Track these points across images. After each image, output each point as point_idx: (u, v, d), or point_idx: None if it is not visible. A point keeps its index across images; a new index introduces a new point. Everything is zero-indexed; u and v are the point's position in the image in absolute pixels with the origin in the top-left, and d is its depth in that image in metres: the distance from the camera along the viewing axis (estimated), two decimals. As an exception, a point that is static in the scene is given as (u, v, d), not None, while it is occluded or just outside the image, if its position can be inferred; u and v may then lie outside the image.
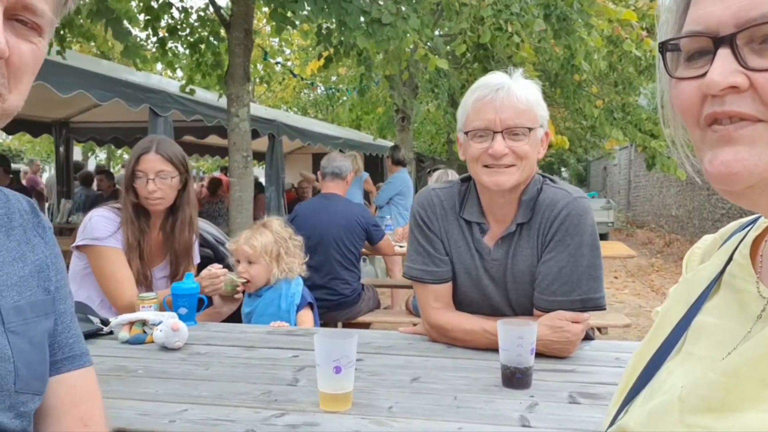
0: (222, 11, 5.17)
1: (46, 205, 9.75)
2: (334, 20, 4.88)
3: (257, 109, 7.83)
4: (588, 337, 1.64)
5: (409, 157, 9.20)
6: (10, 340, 0.70)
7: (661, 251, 12.49)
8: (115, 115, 7.15)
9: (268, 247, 2.08)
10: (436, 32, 7.75)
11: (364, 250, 4.02)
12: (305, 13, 4.70)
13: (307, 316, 2.13)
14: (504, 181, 1.47)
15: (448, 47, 5.59)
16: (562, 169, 24.56)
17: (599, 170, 26.10)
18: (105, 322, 1.62)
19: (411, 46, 4.47)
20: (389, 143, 10.24)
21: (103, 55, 8.43)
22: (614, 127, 7.83)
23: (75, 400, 0.81)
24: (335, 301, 3.59)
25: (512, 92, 1.48)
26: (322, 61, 5.75)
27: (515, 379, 1.24)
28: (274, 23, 4.70)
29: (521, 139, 1.47)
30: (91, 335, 1.56)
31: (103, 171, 7.99)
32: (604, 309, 1.52)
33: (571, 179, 30.41)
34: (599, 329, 3.62)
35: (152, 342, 1.52)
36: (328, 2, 4.59)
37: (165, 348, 1.48)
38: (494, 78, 1.52)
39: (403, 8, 4.65)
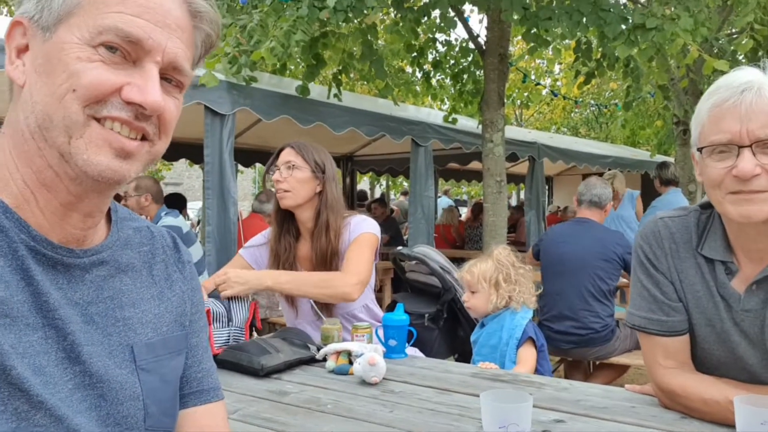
0: (478, 40, 5.25)
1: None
2: (592, 33, 4.57)
3: (518, 132, 7.75)
4: None
5: (693, 174, 8.10)
6: (141, 378, 0.74)
7: None
8: (388, 149, 7.77)
9: (487, 274, 2.01)
10: (727, 31, 6.72)
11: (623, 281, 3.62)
12: (559, 30, 4.49)
13: (528, 353, 1.95)
14: (755, 211, 1.13)
15: (732, 46, 4.76)
16: None
17: None
18: (320, 349, 1.71)
19: (679, 50, 3.91)
20: (670, 159, 9.18)
21: (380, 94, 9.31)
22: None
23: None
24: (583, 336, 3.28)
25: (764, 93, 1.12)
26: (583, 78, 5.42)
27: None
28: (527, 45, 4.60)
29: None
30: (306, 362, 1.66)
31: (377, 200, 8.75)
32: None
33: None
34: None
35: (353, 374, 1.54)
36: (584, 14, 4.31)
37: (363, 382, 1.49)
38: (739, 75, 1.17)
39: (673, 8, 4.13)
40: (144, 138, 0.71)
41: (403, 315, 1.80)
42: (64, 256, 0.70)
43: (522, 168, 7.60)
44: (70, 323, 0.68)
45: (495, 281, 1.99)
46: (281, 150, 2.08)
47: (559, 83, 11.84)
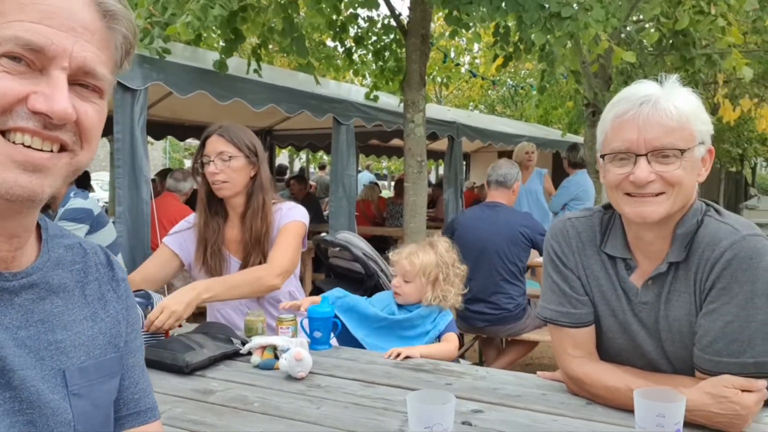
0: (401, 18, 5.25)
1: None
2: (510, 18, 4.68)
3: (438, 111, 7.86)
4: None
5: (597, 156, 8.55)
6: (72, 403, 0.73)
7: None
8: (308, 124, 7.68)
9: (428, 269, 1.99)
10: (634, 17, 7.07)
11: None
12: (480, 14, 4.57)
13: (452, 336, 2.01)
14: (649, 212, 1.23)
15: (639, 36, 5.04)
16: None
17: None
18: (244, 342, 1.70)
19: (591, 40, 4.09)
20: (579, 139, 9.63)
21: (301, 68, 9.15)
22: None
23: None
24: (497, 315, 3.44)
25: (660, 106, 1.22)
26: (501, 60, 5.56)
27: (652, 464, 1.03)
28: (448, 28, 4.65)
29: (672, 162, 1.22)
30: (230, 356, 1.65)
31: (295, 177, 8.65)
32: None
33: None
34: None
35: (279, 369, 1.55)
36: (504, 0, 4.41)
37: (290, 376, 1.51)
38: (640, 88, 1.27)
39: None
40: (63, 148, 0.68)
41: (328, 307, 1.82)
42: None
43: (441, 145, 7.73)
44: (1, 348, 0.66)
45: (434, 278, 1.99)
46: (207, 138, 2.03)
47: (477, 62, 12.06)
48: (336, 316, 1.84)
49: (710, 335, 1.22)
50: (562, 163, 9.93)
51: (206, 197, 2.06)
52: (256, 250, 2.02)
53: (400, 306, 2.03)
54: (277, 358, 1.60)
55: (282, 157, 11.97)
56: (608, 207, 1.40)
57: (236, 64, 4.87)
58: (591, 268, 1.38)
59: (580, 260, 1.39)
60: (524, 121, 11.83)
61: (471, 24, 4.70)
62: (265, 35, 4.88)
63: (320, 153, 13.64)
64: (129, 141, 3.84)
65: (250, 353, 1.66)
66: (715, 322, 1.22)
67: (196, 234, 2.08)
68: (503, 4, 4.41)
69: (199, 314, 2.09)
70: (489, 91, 13.41)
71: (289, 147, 10.07)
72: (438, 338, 1.99)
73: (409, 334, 1.96)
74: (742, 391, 1.18)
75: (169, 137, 8.20)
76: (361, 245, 2.55)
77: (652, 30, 4.12)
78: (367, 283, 2.47)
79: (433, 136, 6.79)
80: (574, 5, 4.21)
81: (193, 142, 8.96)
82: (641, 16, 6.43)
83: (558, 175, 7.51)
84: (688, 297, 1.26)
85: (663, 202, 1.23)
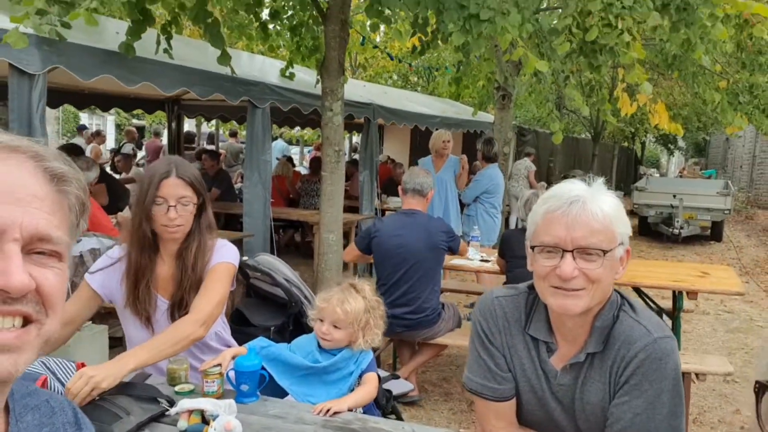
0: (319, 1, 5.12)
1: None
2: (431, 15, 4.70)
3: (354, 90, 7.80)
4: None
5: (508, 136, 8.87)
6: None
7: (785, 241, 11.39)
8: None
9: (359, 316, 2.00)
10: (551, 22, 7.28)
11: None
12: (399, 4, 4.54)
13: (372, 376, 2.08)
14: (571, 305, 1.34)
15: (553, 44, 5.22)
16: (678, 138, 22.66)
17: (720, 141, 23.89)
18: (171, 402, 1.68)
19: (508, 44, 4.20)
20: (490, 118, 9.91)
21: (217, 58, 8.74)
22: (738, 113, 7.05)
23: None
24: (415, 320, 3.57)
25: (587, 208, 1.32)
26: (417, 41, 5.55)
27: None
28: (370, 20, 4.60)
29: (594, 260, 1.32)
30: (156, 418, 1.63)
31: (208, 151, 8.35)
32: None
33: (688, 149, 28.09)
34: (697, 375, 3.35)
35: (209, 436, 1.55)
36: (424, -5, 4.41)
37: (221, 444, 1.51)
38: (570, 188, 1.37)
39: (505, 4, 4.38)
40: (28, 320, 0.67)
41: (255, 359, 1.82)
42: None
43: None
44: None
45: (365, 323, 2.00)
46: (163, 179, 1.90)
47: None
48: (263, 368, 1.85)
49: (620, 423, 1.36)
50: (471, 142, 10.24)
51: (138, 233, 1.94)
52: (188, 290, 1.97)
53: (322, 349, 2.05)
54: (204, 421, 1.60)
55: (189, 123, 11.44)
56: (533, 287, 1.50)
57: (145, 42, 4.57)
58: (515, 347, 1.48)
59: (505, 339, 1.49)
60: (437, 95, 11.98)
61: (392, 20, 4.67)
62: (175, 12, 4.60)
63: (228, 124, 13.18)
64: (26, 133, 3.55)
65: (178, 414, 1.64)
66: (625, 413, 1.36)
67: (128, 271, 1.98)
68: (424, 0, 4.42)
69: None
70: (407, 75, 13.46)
71: (199, 117, 9.66)
72: (360, 376, 2.05)
73: (334, 377, 2.00)
74: None
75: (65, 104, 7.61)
76: (283, 270, 2.54)
77: (563, 41, 4.27)
78: (291, 309, 2.48)
79: (349, 118, 6.76)
80: (493, 7, 4.29)
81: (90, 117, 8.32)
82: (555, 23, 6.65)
83: (468, 155, 7.71)
84: (603, 386, 1.39)
85: (584, 297, 1.34)
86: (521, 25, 4.32)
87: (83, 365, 1.70)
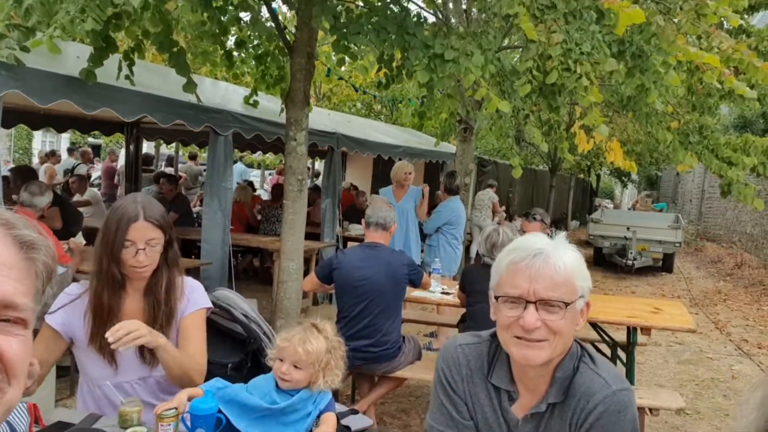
0: (286, 33, 5.16)
1: (118, 192, 10.16)
2: (397, 52, 4.78)
3: (319, 120, 7.84)
4: None
5: (470, 167, 9.02)
6: None
7: (731, 273, 11.82)
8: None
9: (320, 356, 1.96)
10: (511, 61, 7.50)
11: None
12: (366, 41, 4.61)
13: (330, 416, 2.05)
14: (533, 356, 1.37)
15: (514, 86, 5.38)
16: (631, 172, 23.45)
17: (671, 175, 24.85)
18: (126, 449, 1.64)
19: (471, 84, 4.32)
20: (452, 149, 10.06)
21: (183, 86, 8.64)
22: (688, 152, 7.37)
23: None
24: (376, 353, 3.56)
25: (550, 261, 1.37)
26: (382, 73, 5.63)
27: None
28: (336, 54, 4.65)
29: (556, 312, 1.36)
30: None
31: (166, 175, 8.22)
32: None
33: (641, 182, 29.07)
34: (650, 410, 3.43)
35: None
36: (390, 33, 4.50)
37: (177, 497, 1.48)
38: (535, 241, 1.42)
39: (468, 44, 4.50)
40: None
41: (212, 401, 1.79)
42: None
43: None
44: None
45: (326, 364, 1.97)
46: (131, 223, 1.87)
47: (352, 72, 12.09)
48: (219, 410, 1.81)
49: None
50: (433, 171, 10.37)
51: (109, 271, 1.90)
52: (162, 324, 1.95)
53: (280, 390, 2.02)
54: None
55: (147, 144, 11.25)
56: (495, 336, 1.53)
57: (106, 68, 4.50)
58: (477, 395, 1.50)
59: (467, 388, 1.51)
60: (399, 124, 12.12)
61: (359, 56, 4.74)
62: (139, 38, 4.56)
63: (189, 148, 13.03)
64: (-22, 158, 3.45)
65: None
66: None
67: (96, 311, 1.93)
68: (391, 36, 4.51)
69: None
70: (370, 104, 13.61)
71: (158, 140, 9.52)
72: (318, 416, 2.02)
73: (291, 418, 1.96)
74: None
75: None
76: (242, 306, 2.50)
77: (524, 83, 4.40)
78: (250, 346, 2.44)
79: (313, 146, 6.77)
80: (457, 48, 4.40)
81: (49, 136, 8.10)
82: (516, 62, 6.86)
83: (430, 184, 7.81)
84: None
85: (545, 348, 1.37)
86: (484, 66, 4.44)
87: (35, 406, 1.64)
